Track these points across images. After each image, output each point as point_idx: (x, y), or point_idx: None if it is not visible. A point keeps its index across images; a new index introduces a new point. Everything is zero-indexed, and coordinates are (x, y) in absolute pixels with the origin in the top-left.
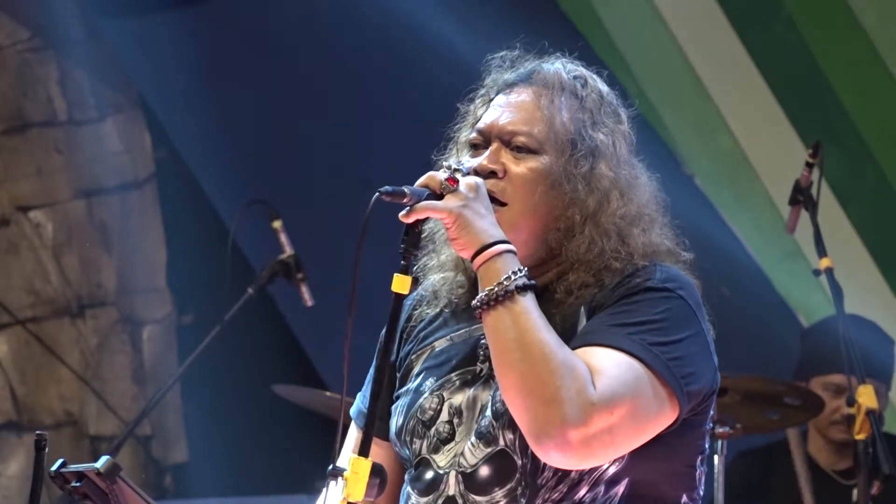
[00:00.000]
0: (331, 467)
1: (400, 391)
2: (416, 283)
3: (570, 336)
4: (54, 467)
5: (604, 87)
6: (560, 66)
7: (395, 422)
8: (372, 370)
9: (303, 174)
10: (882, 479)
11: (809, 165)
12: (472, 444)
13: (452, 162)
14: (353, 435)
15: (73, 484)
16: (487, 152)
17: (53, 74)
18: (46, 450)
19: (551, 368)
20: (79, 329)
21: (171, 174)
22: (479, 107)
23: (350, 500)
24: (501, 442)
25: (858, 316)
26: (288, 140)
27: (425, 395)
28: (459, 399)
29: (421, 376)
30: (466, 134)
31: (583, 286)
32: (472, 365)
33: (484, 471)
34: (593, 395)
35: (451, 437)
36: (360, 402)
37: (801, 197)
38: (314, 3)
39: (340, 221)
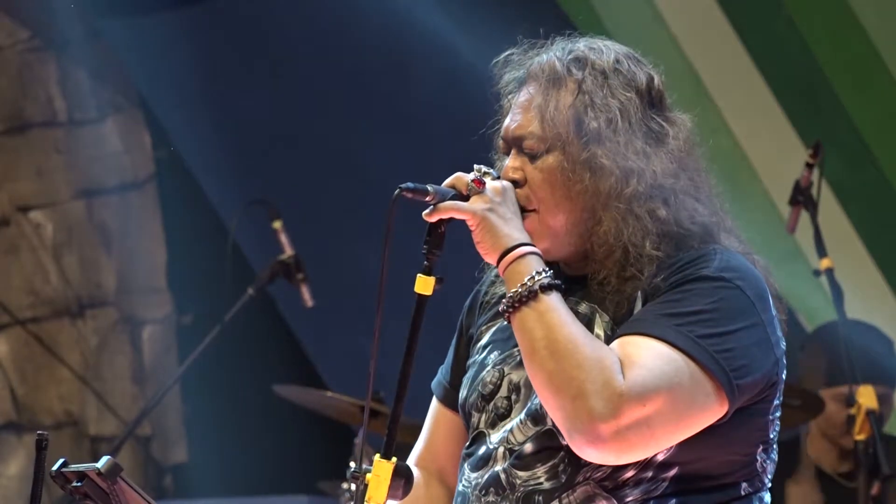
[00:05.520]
0: (351, 470)
1: (469, 362)
2: (439, 282)
3: (623, 323)
4: (55, 467)
5: (610, 60)
6: (555, 54)
7: (462, 394)
8: (451, 350)
9: (303, 174)
10: (882, 479)
11: (809, 165)
12: (521, 421)
13: (483, 165)
14: (433, 406)
15: (74, 484)
16: (508, 161)
17: (53, 74)
18: (47, 450)
19: (577, 363)
20: (79, 329)
21: (171, 174)
22: (506, 108)
23: None
24: (549, 422)
25: (861, 321)
26: (288, 140)
27: (488, 368)
28: (519, 376)
29: (487, 349)
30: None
31: (621, 273)
32: None
33: (528, 448)
34: (621, 386)
35: (507, 413)
36: (440, 374)
37: (801, 197)
38: (314, 3)
39: (340, 221)
